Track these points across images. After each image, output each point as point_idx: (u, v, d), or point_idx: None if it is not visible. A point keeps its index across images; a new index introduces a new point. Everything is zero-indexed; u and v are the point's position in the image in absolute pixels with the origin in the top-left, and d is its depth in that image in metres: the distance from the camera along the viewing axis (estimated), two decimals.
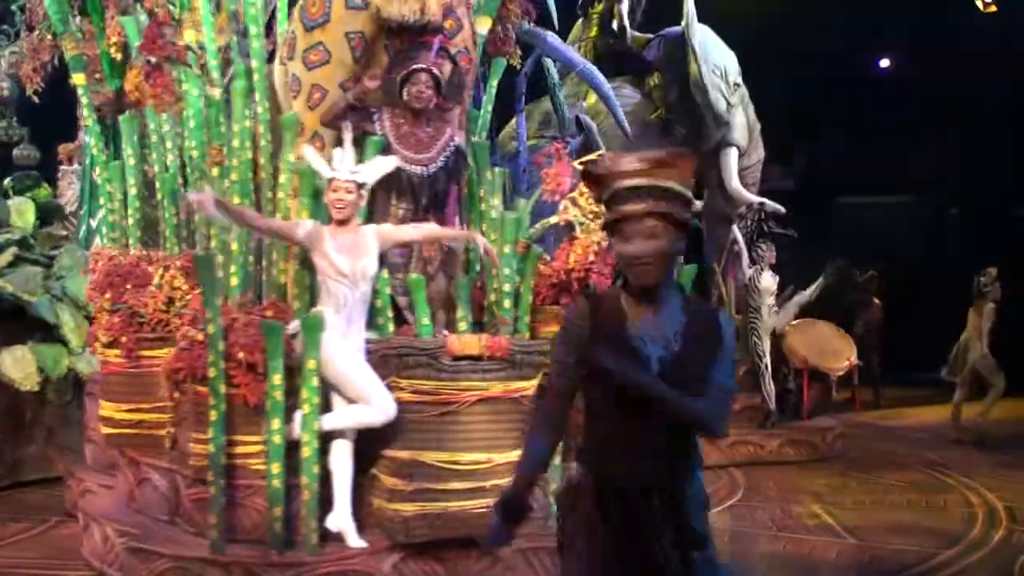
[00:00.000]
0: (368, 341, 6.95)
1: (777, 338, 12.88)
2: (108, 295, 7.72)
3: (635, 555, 3.56)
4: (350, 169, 6.82)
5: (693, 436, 3.68)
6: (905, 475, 11.63)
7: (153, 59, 7.82)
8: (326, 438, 6.79)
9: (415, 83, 7.41)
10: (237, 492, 6.95)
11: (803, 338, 12.79)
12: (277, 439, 6.71)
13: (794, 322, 13.23)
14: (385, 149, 7.37)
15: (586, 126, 11.23)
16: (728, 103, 12.75)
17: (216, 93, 7.94)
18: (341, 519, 6.87)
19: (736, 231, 12.74)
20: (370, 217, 7.36)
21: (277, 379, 6.70)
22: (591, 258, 7.39)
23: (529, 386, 7.07)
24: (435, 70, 7.48)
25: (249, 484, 6.93)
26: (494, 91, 9.32)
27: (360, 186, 6.82)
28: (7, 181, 11.41)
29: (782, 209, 12.86)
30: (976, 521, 9.36)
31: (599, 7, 13.52)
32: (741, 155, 12.97)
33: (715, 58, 12.75)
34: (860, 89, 19.42)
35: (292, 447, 6.72)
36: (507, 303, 7.44)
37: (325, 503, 6.82)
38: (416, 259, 7.59)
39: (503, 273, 7.39)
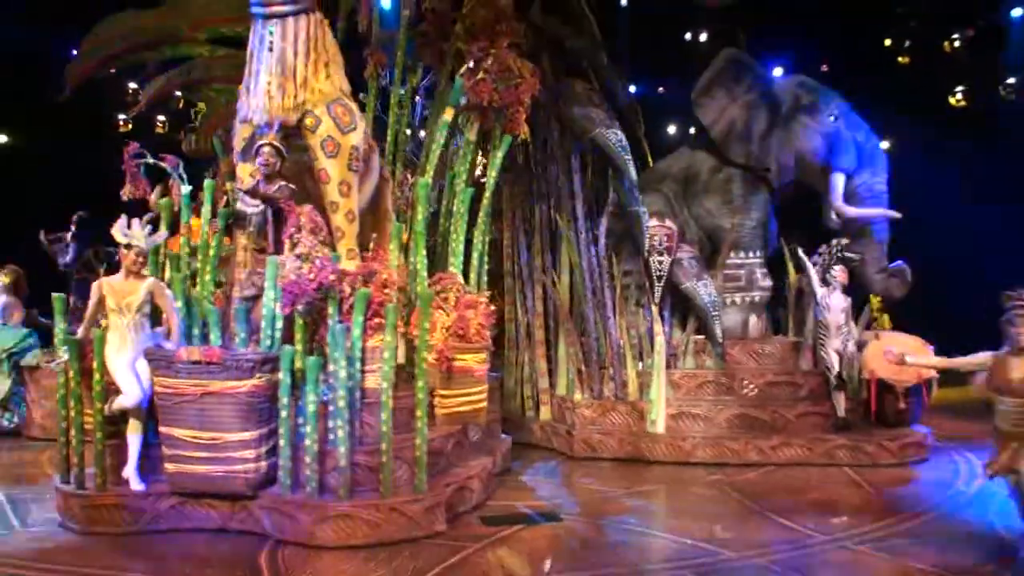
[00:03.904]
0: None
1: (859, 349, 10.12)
2: None
3: None
4: (124, 233, 7.08)
5: None
6: None
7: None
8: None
9: (259, 155, 7.64)
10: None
11: (877, 350, 9.50)
12: (72, 413, 6.89)
13: (881, 334, 9.98)
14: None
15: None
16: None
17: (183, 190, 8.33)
18: (129, 470, 7.13)
19: (802, 256, 10.39)
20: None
21: (70, 374, 6.98)
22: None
23: (241, 385, 6.83)
24: (275, 143, 7.63)
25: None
26: (498, 161, 9.42)
27: (127, 246, 7.05)
28: None
29: (897, 214, 10.63)
30: None
31: None
32: (850, 177, 10.63)
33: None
34: None
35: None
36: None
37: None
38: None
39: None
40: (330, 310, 6.93)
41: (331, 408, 6.76)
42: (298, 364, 6.92)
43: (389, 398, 6.75)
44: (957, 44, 13.86)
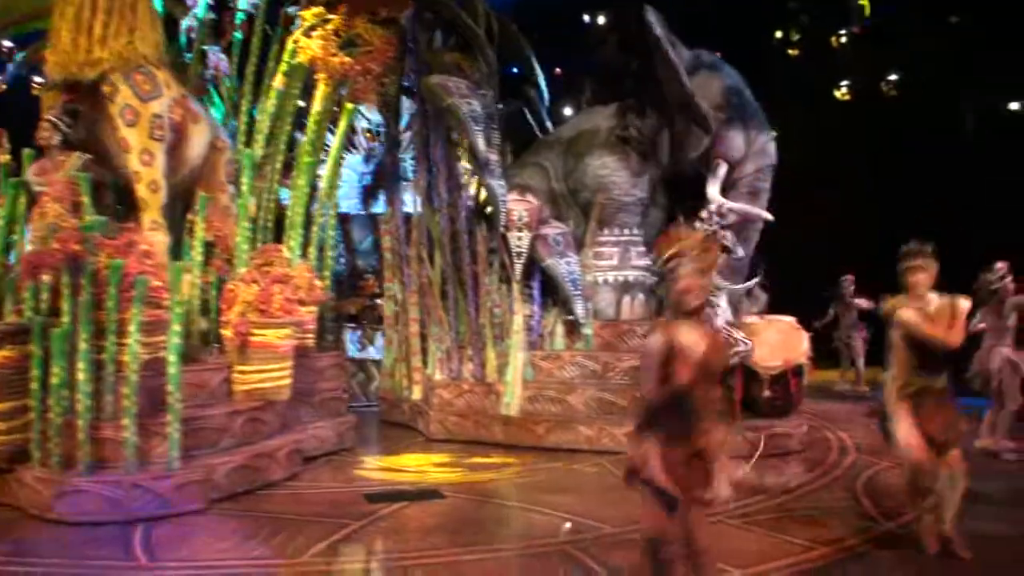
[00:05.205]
0: None
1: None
2: None
3: None
4: None
5: None
6: None
7: None
8: None
9: (40, 129, 7.77)
10: None
11: (747, 335, 9.12)
12: None
13: (753, 319, 9.56)
14: None
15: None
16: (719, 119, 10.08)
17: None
18: None
19: None
20: None
21: None
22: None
23: None
24: (53, 118, 7.74)
25: None
26: (341, 132, 9.66)
27: None
28: None
29: (769, 216, 10.09)
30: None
31: None
32: (733, 166, 10.06)
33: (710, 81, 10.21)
34: None
35: None
36: None
37: None
38: None
39: None
40: (83, 281, 6.89)
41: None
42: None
43: (134, 372, 6.71)
44: (844, 40, 13.78)
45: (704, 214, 9.62)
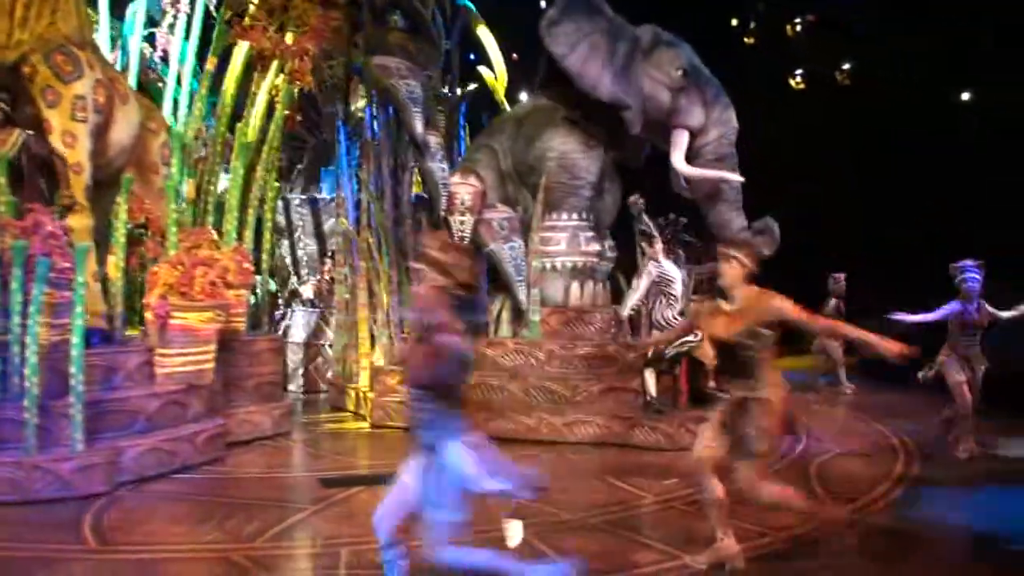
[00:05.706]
0: None
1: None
2: None
3: None
4: None
5: None
6: None
7: None
8: None
9: None
10: None
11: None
12: None
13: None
14: None
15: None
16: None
17: None
18: None
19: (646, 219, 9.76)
20: None
21: None
22: None
23: None
24: None
25: None
26: (278, 115, 9.54)
27: None
28: None
29: (739, 178, 10.16)
30: None
31: None
32: (695, 135, 10.14)
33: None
34: None
35: None
36: None
37: None
38: None
39: None
40: None
41: None
42: None
43: (34, 354, 6.69)
44: (799, 28, 13.64)
45: (631, 199, 9.55)
